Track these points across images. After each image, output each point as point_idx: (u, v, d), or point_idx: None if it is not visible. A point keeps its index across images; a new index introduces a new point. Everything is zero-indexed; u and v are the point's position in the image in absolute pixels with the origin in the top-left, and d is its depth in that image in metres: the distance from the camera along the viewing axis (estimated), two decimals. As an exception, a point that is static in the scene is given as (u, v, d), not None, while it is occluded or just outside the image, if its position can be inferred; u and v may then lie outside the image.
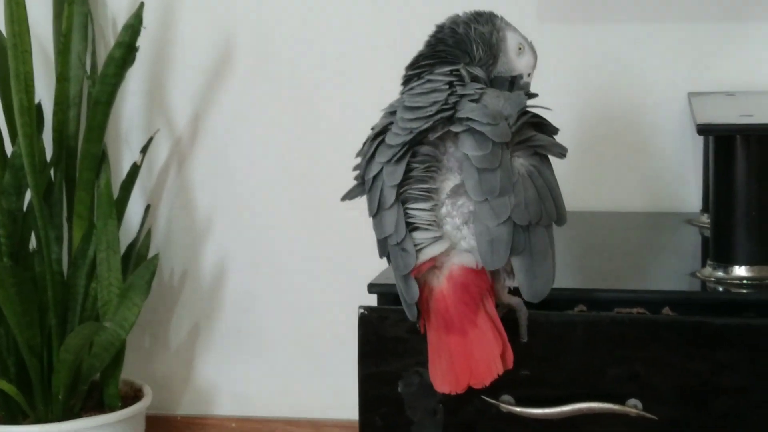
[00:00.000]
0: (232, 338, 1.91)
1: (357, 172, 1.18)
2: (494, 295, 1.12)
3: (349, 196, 1.19)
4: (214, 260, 1.91)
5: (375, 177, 1.13)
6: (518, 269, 1.09)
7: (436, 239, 1.10)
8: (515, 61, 1.21)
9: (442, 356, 1.10)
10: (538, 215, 1.10)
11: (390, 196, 1.11)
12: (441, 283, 1.10)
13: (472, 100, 1.12)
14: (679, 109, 1.67)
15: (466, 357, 1.08)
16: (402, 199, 1.11)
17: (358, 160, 1.18)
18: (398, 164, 1.11)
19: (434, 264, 1.10)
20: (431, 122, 1.11)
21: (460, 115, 1.11)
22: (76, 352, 1.68)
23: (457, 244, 1.10)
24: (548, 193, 1.12)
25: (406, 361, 1.18)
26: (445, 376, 1.09)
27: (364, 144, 1.17)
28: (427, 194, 1.11)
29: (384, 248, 1.13)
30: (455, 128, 1.11)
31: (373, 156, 1.14)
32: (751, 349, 1.12)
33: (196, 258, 1.91)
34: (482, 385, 1.08)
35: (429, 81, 1.15)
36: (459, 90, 1.13)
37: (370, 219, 1.15)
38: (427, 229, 1.10)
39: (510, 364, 1.08)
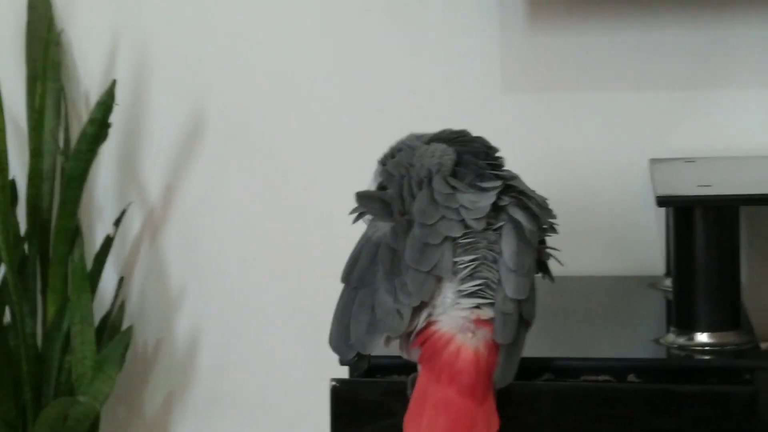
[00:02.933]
0: (206, 408, 1.92)
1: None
2: None
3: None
4: (187, 330, 1.92)
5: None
6: (502, 351, 1.12)
7: (491, 305, 1.12)
8: None
9: (443, 414, 1.09)
10: (531, 316, 1.14)
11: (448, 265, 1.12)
12: (478, 345, 1.11)
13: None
14: (641, 174, 1.70)
15: (470, 425, 1.09)
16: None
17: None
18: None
19: (477, 325, 1.12)
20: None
21: (513, 183, 1.17)
22: (51, 426, 1.68)
23: None
24: (535, 302, 1.16)
25: (378, 427, 1.20)
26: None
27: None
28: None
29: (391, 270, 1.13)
30: (506, 200, 1.15)
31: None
32: (714, 415, 1.15)
33: (170, 328, 1.93)
34: None
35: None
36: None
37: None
38: (494, 290, 1.12)
39: None
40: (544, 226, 1.18)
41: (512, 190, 1.17)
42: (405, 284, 1.12)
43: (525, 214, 1.15)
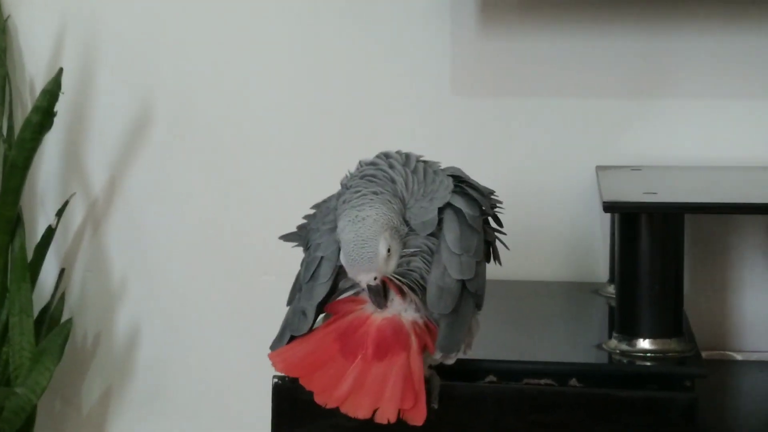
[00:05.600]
0: (144, 403, 1.91)
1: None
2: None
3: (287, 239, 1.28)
4: (127, 324, 1.91)
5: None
6: (443, 321, 1.14)
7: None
8: None
9: (305, 344, 1.16)
10: (480, 290, 1.18)
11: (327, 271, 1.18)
12: (381, 315, 1.16)
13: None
14: (587, 181, 1.71)
15: (319, 362, 1.14)
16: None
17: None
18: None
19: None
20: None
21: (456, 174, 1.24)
22: (-14, 417, 1.67)
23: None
24: (485, 280, 1.20)
25: (319, 425, 1.20)
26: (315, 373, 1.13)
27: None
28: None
29: (292, 297, 1.22)
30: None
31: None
32: (654, 421, 1.16)
33: (110, 322, 1.91)
34: (331, 403, 1.11)
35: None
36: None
37: (288, 281, 1.23)
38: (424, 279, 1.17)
39: (417, 420, 1.10)
40: (486, 209, 1.23)
41: (455, 180, 1.22)
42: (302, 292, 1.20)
43: (466, 201, 1.19)
